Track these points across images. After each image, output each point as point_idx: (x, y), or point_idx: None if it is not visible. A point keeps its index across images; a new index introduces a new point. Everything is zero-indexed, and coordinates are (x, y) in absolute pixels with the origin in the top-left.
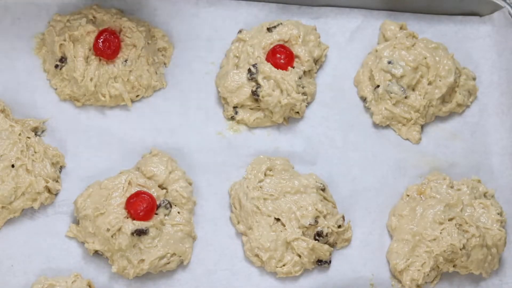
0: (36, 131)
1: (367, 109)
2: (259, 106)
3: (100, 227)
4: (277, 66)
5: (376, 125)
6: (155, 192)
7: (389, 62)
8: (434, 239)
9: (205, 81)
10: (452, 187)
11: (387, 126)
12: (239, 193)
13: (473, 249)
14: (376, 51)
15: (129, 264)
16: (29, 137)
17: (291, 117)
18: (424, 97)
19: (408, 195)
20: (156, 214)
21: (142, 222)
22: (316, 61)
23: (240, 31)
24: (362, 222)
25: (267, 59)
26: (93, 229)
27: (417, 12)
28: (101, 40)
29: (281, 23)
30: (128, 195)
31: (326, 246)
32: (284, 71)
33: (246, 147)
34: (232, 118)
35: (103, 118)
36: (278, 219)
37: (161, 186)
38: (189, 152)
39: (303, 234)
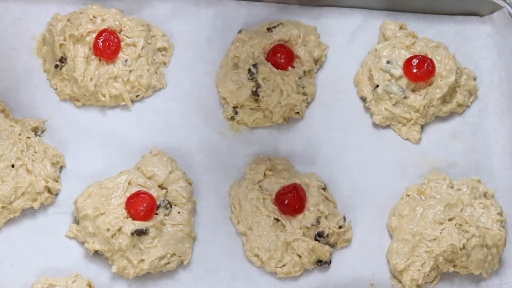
0: (36, 131)
1: (367, 109)
2: (259, 106)
3: (100, 227)
4: (277, 66)
5: (376, 125)
6: (155, 192)
7: (388, 62)
8: (434, 239)
9: (205, 81)
10: (452, 187)
11: (387, 126)
12: (239, 193)
13: (473, 249)
14: (376, 50)
15: (129, 264)
16: (29, 137)
17: (291, 117)
18: (425, 97)
19: (408, 195)
20: (156, 214)
21: (142, 222)
22: (316, 61)
23: (240, 31)
24: (362, 222)
25: (267, 59)
26: (93, 229)
27: (417, 12)
28: (101, 40)
29: (281, 23)
30: (128, 195)
31: (327, 247)
32: (284, 71)
33: (246, 147)
34: (232, 118)
35: (103, 118)
36: (278, 219)
37: (161, 186)
38: (189, 152)
39: (304, 234)
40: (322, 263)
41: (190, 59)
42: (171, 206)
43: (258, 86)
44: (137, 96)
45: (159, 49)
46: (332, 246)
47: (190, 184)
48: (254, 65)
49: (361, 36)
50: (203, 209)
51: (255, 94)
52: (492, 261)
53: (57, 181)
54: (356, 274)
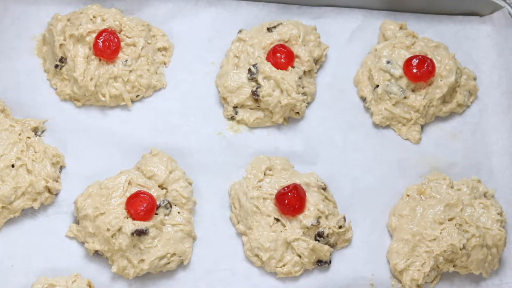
0: (36, 131)
1: (367, 109)
2: (259, 106)
3: (100, 227)
4: (277, 66)
5: (376, 125)
6: (155, 192)
7: (388, 62)
8: (434, 239)
9: (205, 81)
10: (452, 187)
11: (387, 126)
12: (239, 193)
13: (473, 249)
14: (376, 50)
15: (129, 264)
16: (29, 137)
17: (291, 117)
18: (425, 97)
19: (408, 195)
20: (156, 214)
21: (142, 222)
22: (316, 61)
23: (240, 31)
24: (362, 222)
25: (267, 59)
26: (93, 229)
27: (417, 12)
28: (101, 40)
29: (281, 23)
30: (128, 195)
31: (327, 247)
32: (284, 71)
33: (246, 147)
34: (232, 118)
35: (103, 118)
36: (278, 219)
37: (161, 186)
38: (189, 152)
39: (304, 234)
40: (322, 263)
41: (190, 59)
42: (171, 206)
43: (258, 86)
44: (137, 96)
45: (159, 49)
46: (332, 246)
47: (190, 184)
48: (254, 65)
49: (361, 36)
50: (203, 209)
51: (255, 94)
52: (492, 261)
53: (57, 181)
54: (356, 274)
